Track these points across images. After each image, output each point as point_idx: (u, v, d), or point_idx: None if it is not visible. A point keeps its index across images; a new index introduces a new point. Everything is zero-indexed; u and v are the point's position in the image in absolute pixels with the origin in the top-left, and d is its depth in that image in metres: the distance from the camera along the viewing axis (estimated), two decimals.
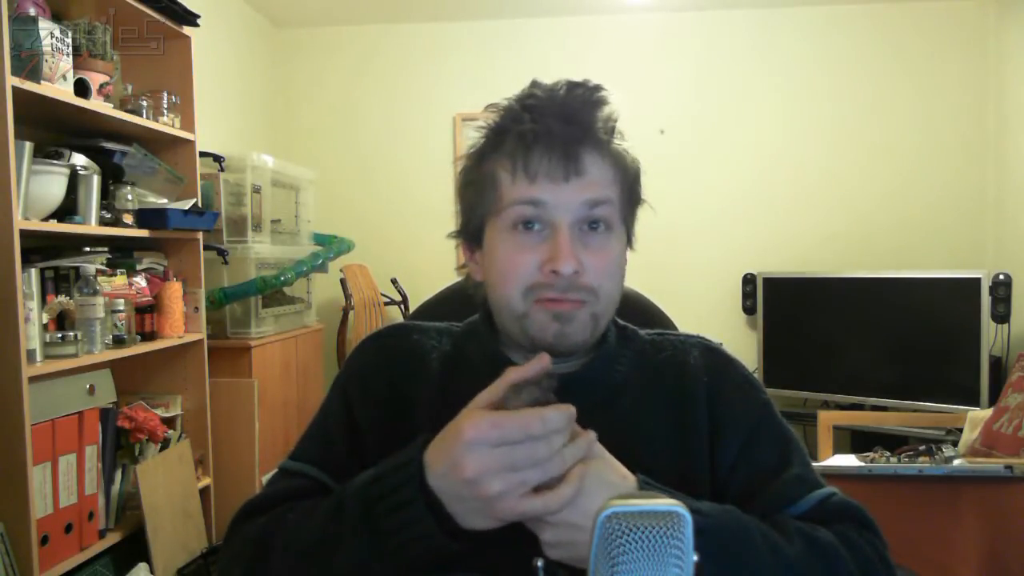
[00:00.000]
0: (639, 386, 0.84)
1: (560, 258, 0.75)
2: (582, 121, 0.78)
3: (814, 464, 0.85)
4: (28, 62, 1.76)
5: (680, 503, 0.56)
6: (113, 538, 2.07)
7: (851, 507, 0.79)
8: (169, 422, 2.38)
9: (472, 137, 0.85)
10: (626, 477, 0.69)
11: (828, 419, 2.71)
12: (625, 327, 0.90)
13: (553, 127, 0.77)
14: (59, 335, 1.89)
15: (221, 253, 2.72)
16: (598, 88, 0.81)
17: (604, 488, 0.65)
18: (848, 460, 2.02)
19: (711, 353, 0.88)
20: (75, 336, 1.91)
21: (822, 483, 0.81)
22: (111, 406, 2.11)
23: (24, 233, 1.75)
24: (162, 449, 2.28)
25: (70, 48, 1.92)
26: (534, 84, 0.82)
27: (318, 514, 0.73)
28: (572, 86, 0.80)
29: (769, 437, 0.83)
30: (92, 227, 2.03)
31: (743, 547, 0.69)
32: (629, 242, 0.85)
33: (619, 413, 0.81)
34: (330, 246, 3.43)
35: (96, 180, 2.05)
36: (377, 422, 0.84)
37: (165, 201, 2.37)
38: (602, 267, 0.78)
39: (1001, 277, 2.99)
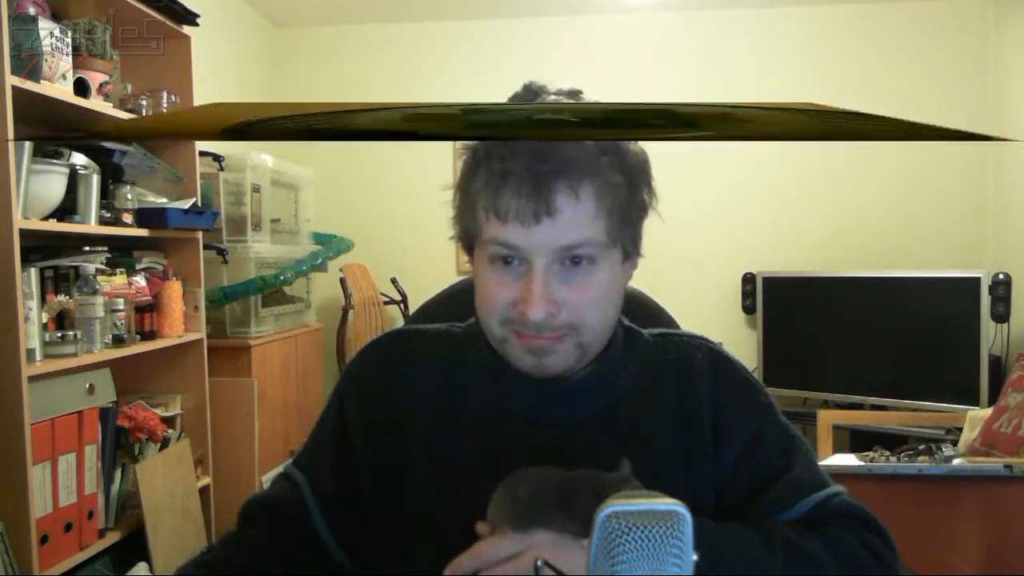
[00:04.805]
0: (643, 392, 0.83)
1: (530, 303, 0.73)
2: (555, 157, 0.71)
3: None
4: (28, 62, 1.76)
5: (680, 503, 0.56)
6: (113, 537, 2.07)
7: (853, 508, 0.79)
8: (169, 421, 2.38)
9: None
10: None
11: (828, 418, 2.70)
12: (631, 328, 0.89)
13: (522, 166, 0.71)
14: (59, 334, 1.89)
15: (221, 252, 2.72)
16: None
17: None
18: (848, 460, 2.01)
19: (715, 356, 0.86)
20: (75, 335, 1.91)
21: (826, 483, 0.80)
22: (111, 405, 2.11)
23: (24, 232, 1.75)
24: (162, 448, 2.28)
25: (70, 48, 1.92)
26: (525, 89, 0.78)
27: None
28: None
29: (771, 440, 0.82)
30: (92, 226, 2.03)
31: (717, 563, 0.69)
32: (630, 254, 0.81)
33: (622, 420, 0.80)
34: (330, 245, 3.43)
35: (96, 179, 2.04)
36: (370, 435, 0.84)
37: (165, 200, 2.37)
38: (585, 301, 0.75)
39: (1001, 277, 2.99)
